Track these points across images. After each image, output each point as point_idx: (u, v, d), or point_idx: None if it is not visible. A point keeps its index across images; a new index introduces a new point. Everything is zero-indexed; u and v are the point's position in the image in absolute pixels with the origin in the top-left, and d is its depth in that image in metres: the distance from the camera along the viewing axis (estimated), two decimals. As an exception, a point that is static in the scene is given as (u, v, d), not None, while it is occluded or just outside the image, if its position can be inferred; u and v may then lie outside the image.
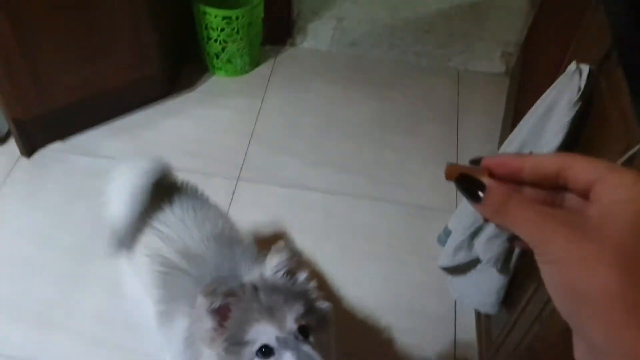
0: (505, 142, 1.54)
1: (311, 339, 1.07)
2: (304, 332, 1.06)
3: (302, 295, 1.13)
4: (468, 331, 1.99)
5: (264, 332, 1.04)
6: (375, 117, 2.68)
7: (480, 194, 0.49)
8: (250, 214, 2.26)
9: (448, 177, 0.51)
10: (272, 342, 1.04)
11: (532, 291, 1.51)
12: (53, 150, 2.41)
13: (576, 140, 1.30)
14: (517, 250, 1.46)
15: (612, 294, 0.43)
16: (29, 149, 2.36)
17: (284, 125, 2.61)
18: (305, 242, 2.22)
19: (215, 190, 2.27)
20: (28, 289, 2.00)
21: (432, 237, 2.24)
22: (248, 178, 2.39)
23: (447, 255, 1.65)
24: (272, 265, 1.14)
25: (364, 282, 2.12)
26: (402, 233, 2.28)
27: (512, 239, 0.51)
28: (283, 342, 1.03)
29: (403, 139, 2.61)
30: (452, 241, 1.62)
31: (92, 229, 2.16)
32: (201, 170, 2.34)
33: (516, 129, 1.47)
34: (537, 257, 0.47)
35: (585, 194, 0.48)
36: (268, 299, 1.08)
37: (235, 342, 1.05)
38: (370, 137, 2.60)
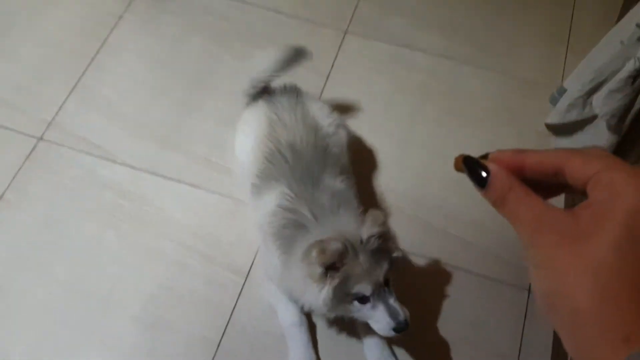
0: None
1: (390, 284, 1.36)
2: (386, 281, 1.35)
3: (388, 254, 1.37)
4: (558, 200, 2.03)
5: (364, 289, 1.32)
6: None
7: (484, 174, 0.50)
8: (355, 66, 2.31)
9: (457, 167, 0.53)
10: (368, 293, 1.32)
11: (636, 158, 1.52)
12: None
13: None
14: (635, 108, 1.45)
15: (584, 309, 0.43)
16: (149, -18, 2.45)
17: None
18: (407, 102, 2.26)
19: (322, 41, 2.35)
20: (147, 109, 2.16)
21: (532, 111, 2.24)
22: (356, 32, 2.41)
23: (558, 113, 1.65)
24: (369, 233, 1.33)
25: (460, 145, 2.16)
26: (503, 103, 2.28)
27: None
28: (376, 294, 1.33)
29: (516, 11, 2.54)
30: (567, 98, 1.62)
31: (208, 63, 2.28)
32: (311, 19, 2.38)
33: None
34: (527, 259, 0.47)
35: (583, 192, 0.48)
36: (366, 260, 1.32)
37: (340, 291, 1.32)
38: (482, 5, 2.54)
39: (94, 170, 2.01)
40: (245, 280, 1.82)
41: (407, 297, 1.46)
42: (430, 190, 2.04)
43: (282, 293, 1.65)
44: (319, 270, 1.31)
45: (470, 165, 0.51)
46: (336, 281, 1.31)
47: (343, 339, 1.72)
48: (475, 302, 1.84)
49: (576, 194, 0.50)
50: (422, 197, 2.02)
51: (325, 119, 1.74)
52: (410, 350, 1.69)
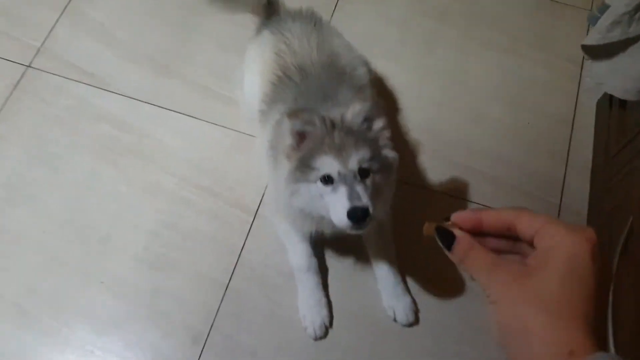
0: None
1: (367, 181, 1.20)
2: (363, 173, 1.19)
3: (372, 142, 1.23)
4: (585, 132, 1.89)
5: (329, 165, 1.18)
6: None
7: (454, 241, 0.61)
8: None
9: (426, 232, 0.64)
10: (334, 174, 1.18)
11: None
12: None
13: None
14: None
15: (534, 330, 0.52)
16: None
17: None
18: (427, 24, 2.08)
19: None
20: (142, 34, 1.99)
21: (562, 35, 2.08)
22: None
23: (598, 32, 1.49)
24: (354, 111, 1.22)
25: (481, 72, 2.00)
26: (529, 27, 2.10)
27: None
28: (342, 177, 1.18)
29: None
30: (610, 16, 1.46)
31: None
32: None
33: None
34: (486, 299, 0.57)
35: (531, 243, 0.59)
36: (341, 137, 1.20)
37: (305, 164, 1.21)
38: None
39: (88, 100, 1.86)
40: (254, 219, 1.70)
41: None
42: (450, 121, 1.90)
43: (289, 225, 1.54)
44: (289, 140, 1.24)
45: (440, 234, 0.62)
46: (301, 153, 1.23)
47: (356, 279, 1.62)
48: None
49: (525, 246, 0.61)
50: (442, 130, 1.88)
51: (347, 54, 1.59)
52: (424, 285, 1.60)
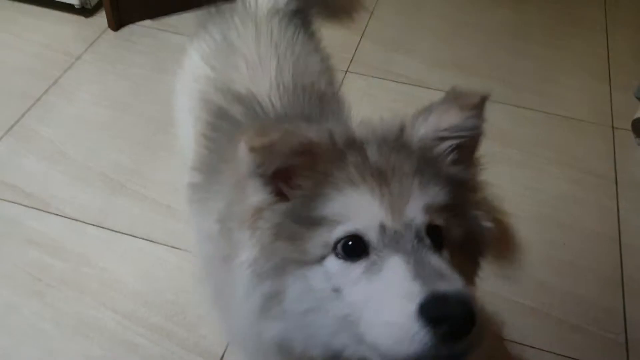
0: None
1: (445, 253, 0.62)
2: (435, 236, 0.61)
3: (458, 186, 0.67)
4: (636, 250, 1.54)
5: (360, 208, 0.60)
6: (509, 25, 2.28)
7: None
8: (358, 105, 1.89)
9: None
10: (371, 233, 0.59)
11: None
12: (142, 26, 2.14)
13: None
14: None
15: None
16: (117, 22, 2.10)
17: (401, 26, 2.25)
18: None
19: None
20: (99, 151, 1.70)
21: (580, 148, 1.83)
22: (358, 71, 2.02)
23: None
24: (434, 124, 0.67)
25: (499, 190, 1.69)
26: (543, 141, 1.85)
27: None
28: (392, 239, 0.59)
29: (543, 49, 2.19)
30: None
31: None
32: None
33: None
34: None
35: None
36: (383, 157, 0.64)
37: (298, 219, 0.62)
38: (502, 45, 2.20)
39: (20, 222, 1.51)
40: (219, 366, 1.26)
41: None
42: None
43: None
44: (254, 195, 0.63)
45: None
46: (286, 205, 0.63)
47: None
48: None
49: None
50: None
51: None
52: None
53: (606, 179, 1.73)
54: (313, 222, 0.60)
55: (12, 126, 1.75)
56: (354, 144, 0.65)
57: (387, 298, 0.55)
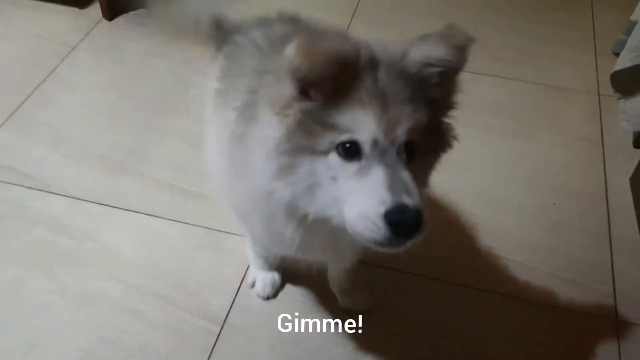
0: None
1: (413, 166, 0.77)
2: (410, 149, 0.77)
3: (435, 104, 0.81)
4: (624, 212, 1.58)
5: (362, 124, 0.74)
6: (497, 2, 2.33)
7: None
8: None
9: None
10: (366, 143, 0.75)
11: None
12: (137, 15, 2.18)
13: None
14: None
15: None
16: (111, 12, 2.15)
17: (391, 5, 2.30)
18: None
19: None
20: (99, 134, 1.74)
21: (570, 116, 1.87)
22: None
23: (631, 50, 1.25)
24: (426, 53, 0.78)
25: (493, 157, 1.74)
26: (534, 111, 1.90)
27: None
28: (379, 151, 0.75)
29: (530, 24, 2.24)
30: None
31: (171, 85, 1.91)
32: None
33: None
34: None
35: None
36: (389, 83, 0.76)
37: (317, 120, 0.76)
38: (490, 21, 2.24)
39: (23, 204, 1.54)
40: (222, 329, 1.30)
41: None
42: (462, 205, 1.58)
43: (257, 243, 1.26)
44: (288, 89, 0.76)
45: None
46: (311, 105, 0.76)
47: None
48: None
49: None
50: (456, 216, 1.56)
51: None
52: None
53: (593, 142, 1.78)
54: (326, 125, 0.75)
55: (12, 113, 1.79)
56: (371, 66, 0.77)
57: (367, 197, 0.73)
